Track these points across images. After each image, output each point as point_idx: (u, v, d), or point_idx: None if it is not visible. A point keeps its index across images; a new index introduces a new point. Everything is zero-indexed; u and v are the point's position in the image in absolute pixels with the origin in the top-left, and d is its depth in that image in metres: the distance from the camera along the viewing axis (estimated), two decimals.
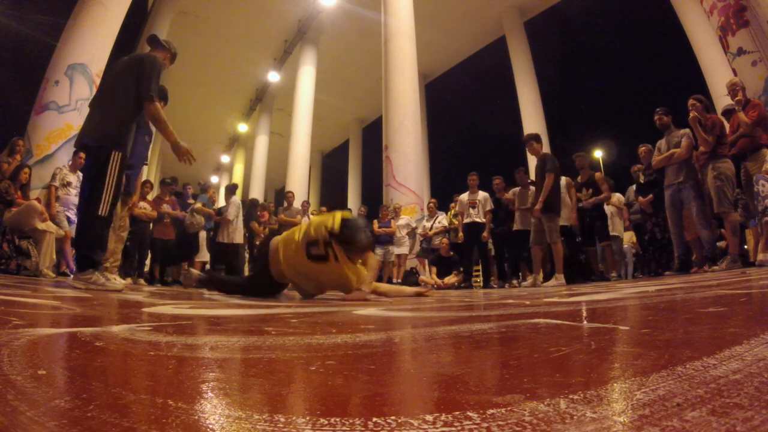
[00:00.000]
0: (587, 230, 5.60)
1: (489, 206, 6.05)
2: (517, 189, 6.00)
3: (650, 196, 5.11)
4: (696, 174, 4.35)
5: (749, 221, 4.44)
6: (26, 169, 4.69)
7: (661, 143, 4.66)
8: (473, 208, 6.07)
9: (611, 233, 5.88)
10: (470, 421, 0.30)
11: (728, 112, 4.54)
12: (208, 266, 7.13)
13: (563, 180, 5.56)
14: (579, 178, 5.69)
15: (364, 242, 2.41)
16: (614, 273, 5.65)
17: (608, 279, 5.41)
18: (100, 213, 2.61)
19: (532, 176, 5.68)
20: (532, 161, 10.80)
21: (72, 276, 2.91)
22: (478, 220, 6.05)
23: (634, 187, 5.86)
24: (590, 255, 5.84)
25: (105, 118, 2.81)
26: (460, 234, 6.32)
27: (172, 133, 2.83)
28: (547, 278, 5.45)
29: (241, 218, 6.61)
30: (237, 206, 6.56)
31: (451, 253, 6.52)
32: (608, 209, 6.01)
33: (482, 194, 6.15)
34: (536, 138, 5.21)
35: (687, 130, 4.42)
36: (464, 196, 6.27)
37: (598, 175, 5.63)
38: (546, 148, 11.61)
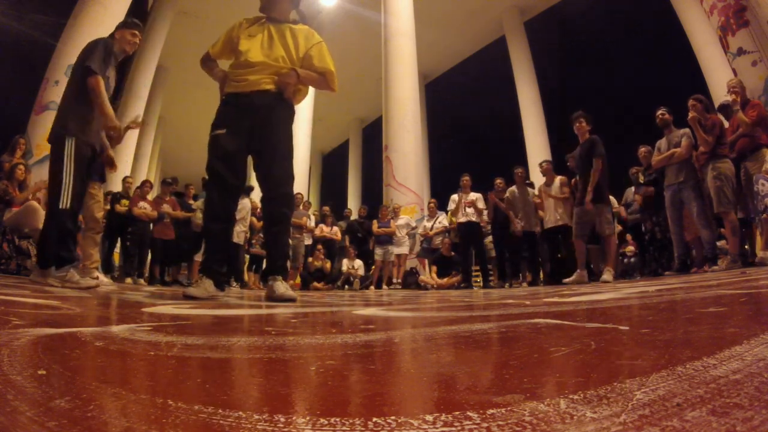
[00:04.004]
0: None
1: (481, 205, 6.07)
2: (513, 188, 5.98)
3: (651, 189, 5.02)
4: (696, 174, 4.36)
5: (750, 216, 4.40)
6: (21, 166, 4.64)
7: (661, 143, 4.66)
8: (469, 207, 6.09)
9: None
10: (470, 421, 0.30)
11: (723, 108, 4.53)
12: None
13: (557, 179, 5.53)
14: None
15: None
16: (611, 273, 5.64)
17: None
18: (61, 206, 2.49)
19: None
20: (532, 160, 10.76)
21: (33, 273, 2.76)
22: (473, 219, 6.05)
23: (632, 188, 5.85)
24: (592, 254, 5.83)
25: (59, 111, 2.74)
26: (451, 228, 6.40)
27: (107, 111, 2.64)
28: (548, 279, 5.45)
29: (247, 221, 6.63)
30: (248, 210, 6.55)
31: (453, 253, 6.52)
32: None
33: (474, 195, 6.17)
34: (587, 118, 4.68)
35: (687, 130, 4.41)
36: (455, 196, 6.30)
37: None
38: (545, 148, 11.67)
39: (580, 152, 4.72)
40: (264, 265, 6.60)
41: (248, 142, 2.27)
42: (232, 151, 2.23)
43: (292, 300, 2.10)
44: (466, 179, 6.23)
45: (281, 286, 2.15)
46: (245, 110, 2.26)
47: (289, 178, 2.33)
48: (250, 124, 2.25)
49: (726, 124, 4.34)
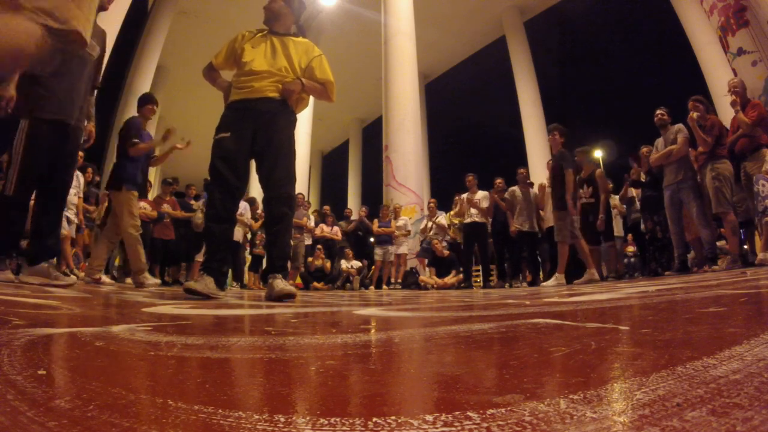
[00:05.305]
0: (590, 229, 5.57)
1: (485, 204, 6.07)
2: (514, 188, 6.00)
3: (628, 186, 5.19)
4: (695, 173, 4.36)
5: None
6: None
7: (659, 142, 4.67)
8: (474, 208, 6.10)
9: (615, 233, 5.86)
10: (470, 421, 0.30)
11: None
12: None
13: None
14: (582, 174, 5.66)
15: None
16: (613, 273, 5.65)
17: (606, 279, 5.41)
18: (4, 191, 2.38)
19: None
20: (532, 160, 10.77)
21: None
22: (478, 219, 6.06)
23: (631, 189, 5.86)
24: (592, 254, 5.82)
25: None
26: (451, 232, 6.40)
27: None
28: (548, 278, 5.44)
29: (246, 218, 6.71)
30: (245, 207, 6.71)
31: (446, 252, 6.51)
32: (613, 210, 5.98)
33: (481, 193, 6.18)
34: (561, 130, 4.97)
35: (681, 125, 4.43)
36: (464, 196, 6.31)
37: (598, 171, 5.58)
38: (545, 148, 11.67)
39: (553, 164, 4.94)
40: (264, 265, 6.64)
41: (251, 145, 2.33)
42: (234, 153, 2.28)
43: (291, 295, 2.13)
44: (469, 179, 6.25)
45: (280, 283, 2.17)
46: (249, 115, 2.32)
47: (291, 178, 2.38)
48: (253, 128, 2.32)
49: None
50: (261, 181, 2.38)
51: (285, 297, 2.11)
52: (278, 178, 2.33)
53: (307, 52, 2.49)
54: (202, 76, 2.59)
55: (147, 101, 4.13)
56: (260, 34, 2.50)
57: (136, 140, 3.79)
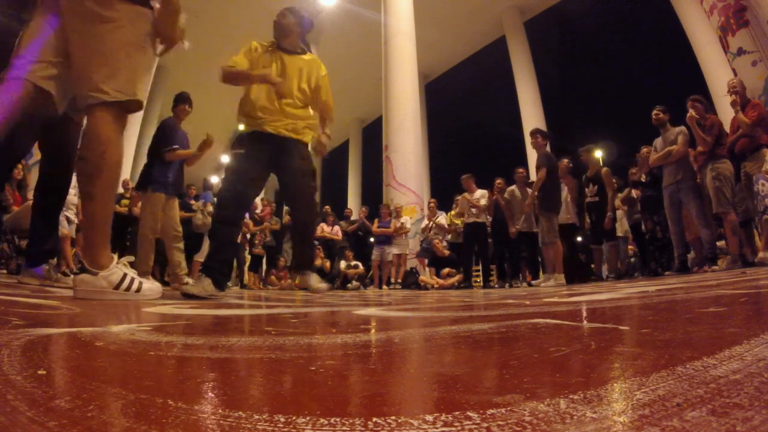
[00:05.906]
0: (594, 228, 5.57)
1: (484, 202, 6.08)
2: (512, 187, 6.02)
3: (637, 191, 5.27)
4: (693, 173, 4.37)
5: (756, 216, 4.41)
6: (18, 165, 4.60)
7: (658, 141, 4.67)
8: (473, 207, 6.10)
9: (618, 234, 5.86)
10: (470, 421, 0.30)
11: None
12: None
13: None
14: (588, 173, 5.66)
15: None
16: (613, 273, 5.65)
17: (605, 279, 5.41)
18: None
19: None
20: (532, 160, 10.85)
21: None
22: (478, 219, 6.06)
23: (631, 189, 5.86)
24: (594, 253, 5.83)
25: None
26: (451, 230, 6.46)
27: None
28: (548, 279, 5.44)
29: (244, 219, 6.75)
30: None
31: (446, 252, 6.51)
32: (618, 210, 5.97)
33: (480, 192, 6.19)
34: (543, 133, 5.18)
35: (683, 128, 4.44)
36: (464, 196, 6.32)
37: (604, 170, 5.56)
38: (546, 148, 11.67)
39: (536, 165, 5.12)
40: (292, 261, 6.78)
41: (266, 160, 2.46)
42: (246, 163, 2.42)
43: (321, 291, 2.69)
44: (464, 179, 6.26)
45: (315, 279, 2.65)
46: (266, 139, 2.45)
47: (311, 189, 2.59)
48: (270, 148, 2.44)
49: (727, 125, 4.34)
50: (282, 191, 2.58)
51: (321, 292, 2.67)
52: (299, 189, 2.52)
53: (316, 69, 2.62)
54: (224, 80, 2.46)
55: (181, 101, 4.12)
56: (269, 50, 2.54)
57: (176, 146, 3.80)
